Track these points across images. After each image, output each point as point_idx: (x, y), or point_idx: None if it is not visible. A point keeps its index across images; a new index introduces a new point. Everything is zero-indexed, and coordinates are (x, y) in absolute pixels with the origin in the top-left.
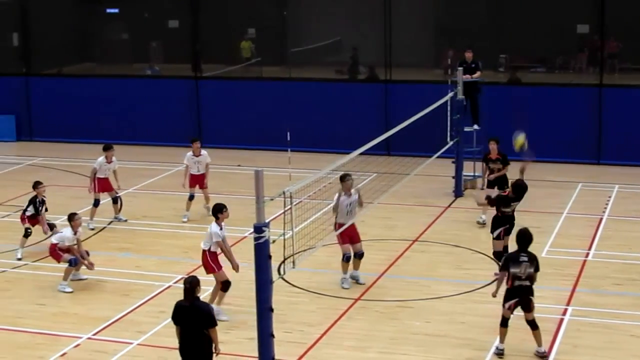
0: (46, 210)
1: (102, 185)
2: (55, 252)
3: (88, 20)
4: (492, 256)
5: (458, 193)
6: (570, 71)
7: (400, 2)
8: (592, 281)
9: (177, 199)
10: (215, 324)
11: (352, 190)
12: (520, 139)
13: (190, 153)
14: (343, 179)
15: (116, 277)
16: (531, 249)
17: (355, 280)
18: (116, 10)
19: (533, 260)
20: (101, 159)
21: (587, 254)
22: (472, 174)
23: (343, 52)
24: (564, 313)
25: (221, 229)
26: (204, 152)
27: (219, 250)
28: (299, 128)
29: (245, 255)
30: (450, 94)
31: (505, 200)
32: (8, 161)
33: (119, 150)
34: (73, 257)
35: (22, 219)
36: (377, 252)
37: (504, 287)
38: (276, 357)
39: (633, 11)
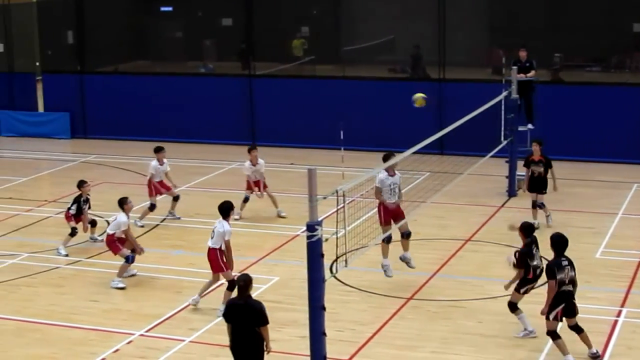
0: (89, 208)
1: (159, 188)
2: (114, 244)
3: (142, 18)
4: (544, 256)
5: (511, 193)
6: (626, 70)
7: (454, 1)
8: None
9: (230, 196)
10: (267, 322)
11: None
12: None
13: (248, 163)
14: (386, 158)
15: (169, 274)
16: (586, 250)
17: (406, 262)
18: (170, 9)
19: (571, 264)
20: (154, 163)
21: None
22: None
23: (397, 50)
24: (619, 315)
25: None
26: (261, 160)
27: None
28: (352, 126)
29: (298, 254)
30: (504, 93)
31: (527, 252)
32: (62, 158)
33: (173, 148)
34: (130, 255)
35: (67, 217)
36: (430, 251)
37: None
38: (327, 355)
39: None
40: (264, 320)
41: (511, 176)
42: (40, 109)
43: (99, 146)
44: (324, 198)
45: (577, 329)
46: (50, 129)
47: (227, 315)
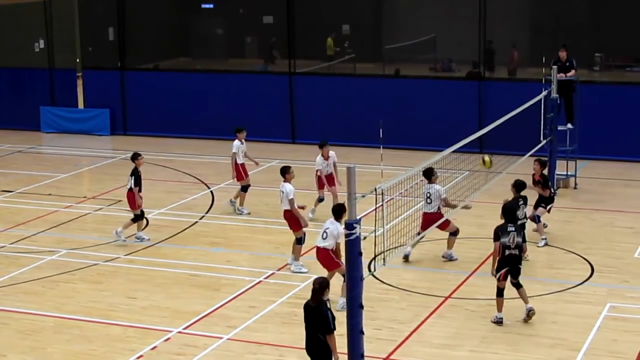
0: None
1: (245, 170)
2: (296, 220)
3: (183, 15)
4: (584, 256)
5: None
6: None
7: (496, 0)
8: None
9: (270, 194)
10: (331, 331)
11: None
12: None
13: (320, 158)
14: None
15: (208, 271)
16: (625, 250)
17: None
18: (211, 6)
19: (518, 230)
20: (237, 142)
21: None
22: (565, 173)
23: (437, 49)
24: None
25: None
26: (331, 152)
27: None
28: (391, 125)
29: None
30: (544, 93)
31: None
32: (102, 155)
33: (212, 146)
34: (304, 235)
35: (131, 198)
36: (469, 250)
37: None
38: (365, 353)
39: None
40: (327, 328)
41: (551, 175)
42: (81, 105)
43: (138, 143)
44: (363, 196)
45: (517, 285)
46: (90, 125)
47: (304, 315)
